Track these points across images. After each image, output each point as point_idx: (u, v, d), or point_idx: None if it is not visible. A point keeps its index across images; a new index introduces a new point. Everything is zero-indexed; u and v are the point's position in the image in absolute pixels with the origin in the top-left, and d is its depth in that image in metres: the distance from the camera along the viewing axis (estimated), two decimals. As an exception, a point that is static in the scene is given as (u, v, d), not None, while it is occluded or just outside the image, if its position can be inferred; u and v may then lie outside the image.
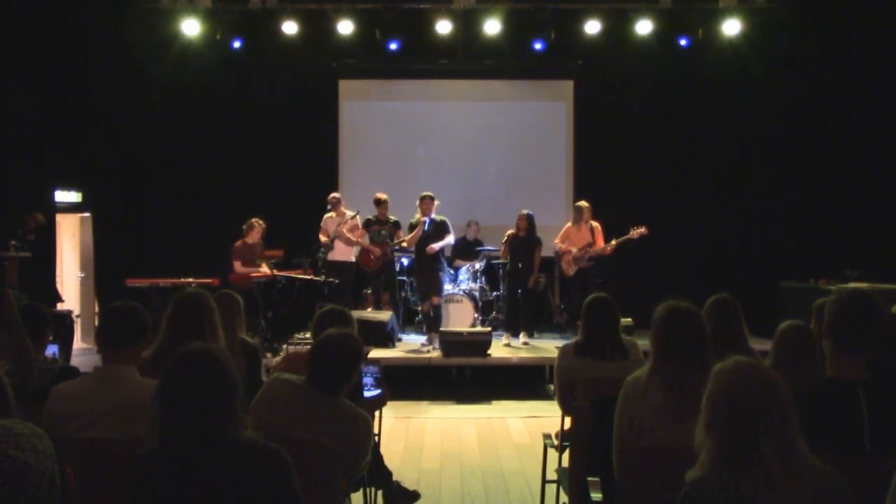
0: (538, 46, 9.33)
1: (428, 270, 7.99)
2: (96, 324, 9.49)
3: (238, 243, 8.28)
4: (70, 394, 2.63)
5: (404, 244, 8.34)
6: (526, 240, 8.24)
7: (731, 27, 9.01)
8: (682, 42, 9.31)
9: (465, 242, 9.33)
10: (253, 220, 8.33)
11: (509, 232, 8.34)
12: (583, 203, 8.58)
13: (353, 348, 2.78)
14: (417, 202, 8.03)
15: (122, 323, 2.71)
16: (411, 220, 8.13)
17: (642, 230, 8.26)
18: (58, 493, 1.45)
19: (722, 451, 1.79)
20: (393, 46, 9.21)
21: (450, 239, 8.17)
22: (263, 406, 2.72)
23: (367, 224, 8.46)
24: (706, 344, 2.55)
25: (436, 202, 8.02)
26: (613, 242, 8.29)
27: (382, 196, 8.47)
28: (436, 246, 7.95)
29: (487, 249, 9.30)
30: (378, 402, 3.44)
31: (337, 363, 2.73)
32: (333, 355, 2.73)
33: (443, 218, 8.08)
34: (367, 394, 3.12)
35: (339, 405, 2.70)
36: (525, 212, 8.28)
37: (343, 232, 8.27)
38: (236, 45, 9.22)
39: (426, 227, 7.90)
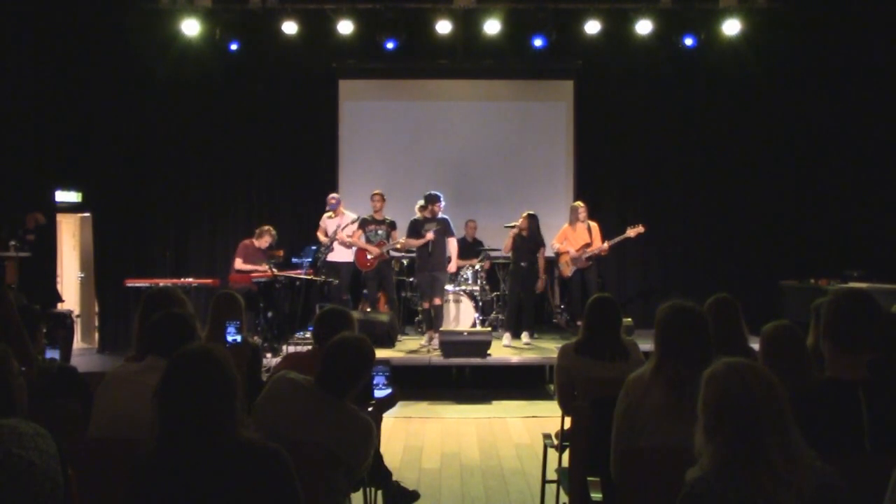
0: (537, 44, 9.31)
1: (429, 269, 7.98)
2: (96, 323, 9.52)
3: (247, 241, 8.32)
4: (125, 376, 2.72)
5: (398, 245, 8.29)
6: (529, 240, 8.24)
7: (731, 27, 9.01)
8: (688, 42, 9.27)
9: (465, 243, 9.33)
10: (266, 227, 8.39)
11: (513, 225, 8.30)
12: (578, 203, 8.60)
13: (366, 354, 2.80)
14: (424, 202, 7.96)
15: (173, 331, 2.74)
16: (414, 218, 8.09)
17: (639, 229, 8.28)
18: (60, 492, 1.45)
19: (726, 454, 1.78)
20: (390, 46, 9.19)
21: (454, 244, 8.14)
22: (267, 404, 2.73)
23: (363, 223, 8.41)
24: (710, 344, 2.55)
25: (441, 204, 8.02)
26: (606, 245, 8.30)
27: (377, 192, 8.47)
28: (453, 266, 8.07)
29: (488, 250, 9.30)
30: (390, 402, 3.40)
31: (349, 367, 2.73)
32: (347, 359, 2.73)
33: (445, 217, 8.06)
34: (378, 393, 3.11)
35: (343, 408, 2.70)
36: (528, 213, 8.28)
37: (342, 236, 8.26)
38: (233, 47, 9.21)
39: (435, 228, 7.88)
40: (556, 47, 9.40)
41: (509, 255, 8.41)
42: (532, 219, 8.25)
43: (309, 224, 9.37)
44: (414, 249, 8.09)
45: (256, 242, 8.29)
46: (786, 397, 1.82)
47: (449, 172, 10.03)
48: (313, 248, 8.44)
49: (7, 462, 1.37)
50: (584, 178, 10.13)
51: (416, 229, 7.96)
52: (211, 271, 9.21)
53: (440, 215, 7.96)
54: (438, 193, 7.99)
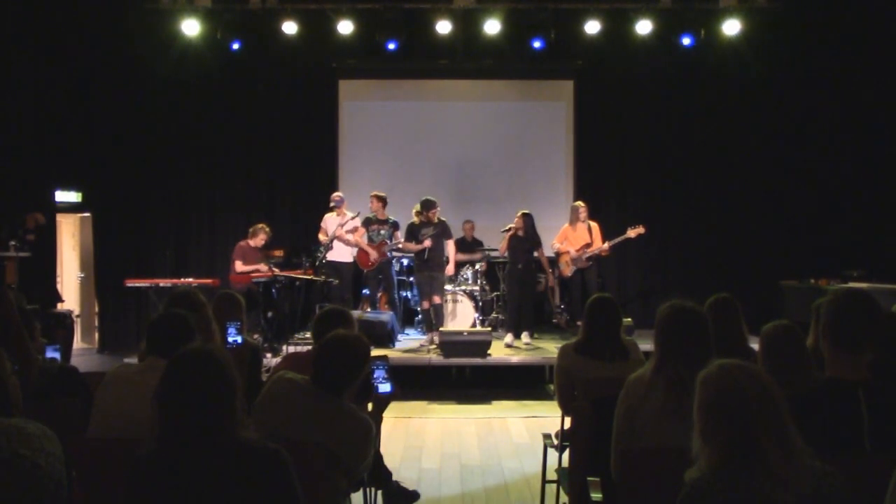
0: (537, 45, 9.30)
1: (428, 269, 7.97)
2: (96, 323, 9.52)
3: (242, 243, 8.31)
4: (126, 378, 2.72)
5: (400, 246, 8.29)
6: (525, 240, 8.23)
7: (731, 27, 9.01)
8: (686, 41, 9.26)
9: (464, 242, 9.34)
10: (260, 225, 8.36)
11: (509, 227, 8.29)
12: (579, 203, 8.59)
13: (360, 350, 2.79)
14: (420, 208, 7.96)
15: (172, 331, 2.74)
16: (411, 222, 8.08)
17: (640, 229, 8.27)
18: (64, 495, 1.45)
19: (722, 456, 1.78)
20: (390, 46, 9.19)
21: (452, 245, 8.18)
22: (267, 404, 2.73)
23: (366, 223, 8.44)
24: (710, 344, 2.54)
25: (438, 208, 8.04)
26: (606, 245, 8.29)
27: (382, 194, 8.48)
28: (451, 269, 8.10)
29: (488, 249, 9.29)
30: (389, 398, 3.39)
31: (342, 364, 2.73)
32: (339, 356, 2.73)
33: (443, 219, 8.07)
34: (379, 387, 3.09)
35: (341, 407, 2.69)
36: (523, 212, 8.27)
37: (342, 234, 8.26)
38: (235, 46, 9.22)
39: (432, 233, 7.87)
40: (555, 47, 9.40)
41: (507, 255, 8.40)
42: (527, 217, 8.21)
43: (309, 224, 9.37)
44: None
45: (252, 242, 8.28)
46: (782, 397, 1.81)
47: (449, 172, 10.04)
48: (315, 247, 8.45)
49: (12, 462, 1.37)
50: (584, 178, 10.13)
51: (413, 234, 7.97)
52: (211, 271, 9.21)
53: (439, 217, 7.98)
54: (434, 199, 7.99)
